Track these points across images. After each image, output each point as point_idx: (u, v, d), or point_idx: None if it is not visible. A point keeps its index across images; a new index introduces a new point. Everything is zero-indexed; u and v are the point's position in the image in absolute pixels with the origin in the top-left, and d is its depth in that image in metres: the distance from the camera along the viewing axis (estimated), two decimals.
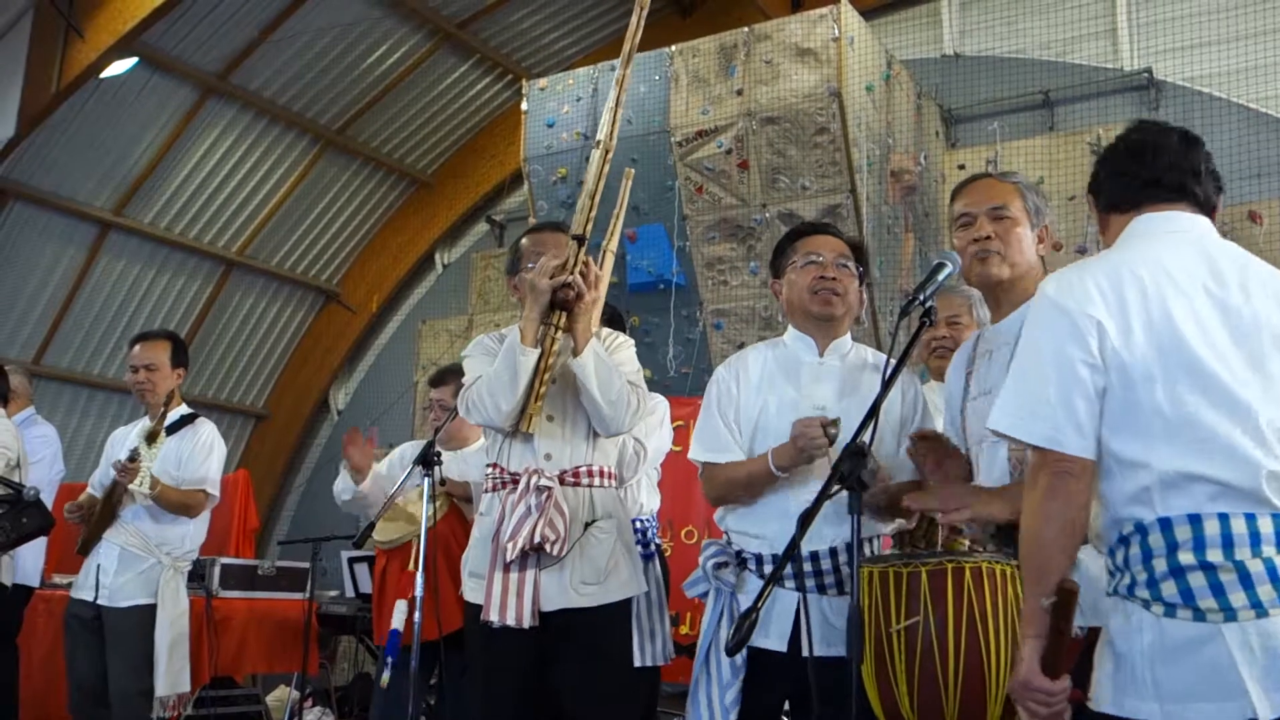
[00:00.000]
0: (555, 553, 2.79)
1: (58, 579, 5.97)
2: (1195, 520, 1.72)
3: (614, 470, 3.03)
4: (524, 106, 7.80)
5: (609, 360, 2.87)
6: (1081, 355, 1.79)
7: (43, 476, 4.93)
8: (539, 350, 2.81)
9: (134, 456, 4.22)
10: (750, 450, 2.73)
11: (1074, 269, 1.90)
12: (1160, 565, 1.74)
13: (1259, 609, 1.68)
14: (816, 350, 2.80)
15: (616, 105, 3.04)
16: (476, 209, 10.54)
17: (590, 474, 2.93)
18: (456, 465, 4.33)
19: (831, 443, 2.50)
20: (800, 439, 2.53)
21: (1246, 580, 1.69)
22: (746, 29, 7.00)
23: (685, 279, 7.23)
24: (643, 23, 3.10)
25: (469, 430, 4.55)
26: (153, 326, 9.52)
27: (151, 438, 4.34)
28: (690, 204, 7.07)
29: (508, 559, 2.77)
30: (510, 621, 2.76)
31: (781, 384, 2.76)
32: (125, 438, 4.64)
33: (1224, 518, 1.71)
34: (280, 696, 6.70)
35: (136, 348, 4.52)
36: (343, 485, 4.37)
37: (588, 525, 2.89)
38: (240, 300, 10.36)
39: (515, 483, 2.86)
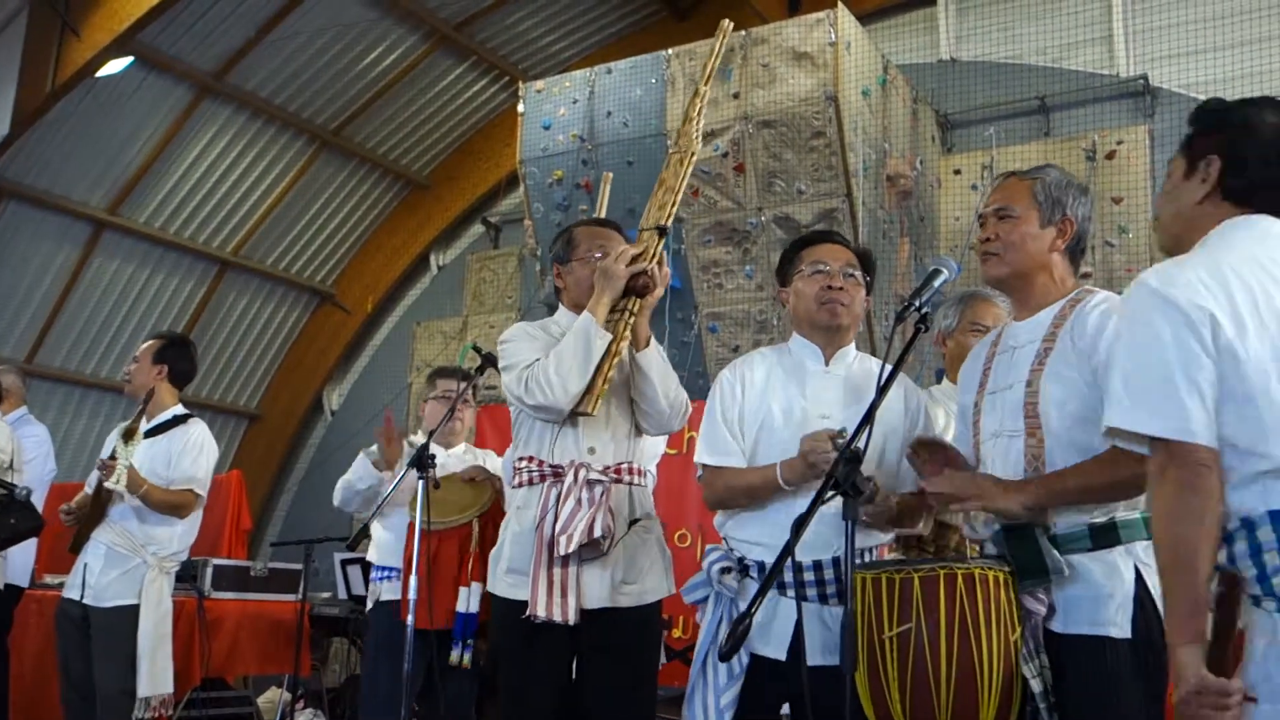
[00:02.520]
0: (606, 549, 2.77)
1: (49, 579, 5.96)
2: None
3: (645, 469, 3.02)
4: (520, 108, 7.79)
5: (665, 358, 2.89)
6: (1198, 345, 1.73)
7: (34, 476, 4.92)
8: (612, 335, 2.80)
9: (112, 455, 4.23)
10: (753, 455, 2.72)
11: (1171, 264, 1.86)
12: (1273, 559, 1.69)
13: None
14: (822, 358, 2.79)
15: (698, 116, 3.07)
16: (472, 211, 10.54)
17: (631, 471, 2.93)
18: (453, 464, 4.33)
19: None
20: (810, 454, 2.51)
21: None
22: (743, 33, 7.00)
23: (680, 282, 7.22)
24: (723, 47, 3.18)
25: (460, 429, 4.56)
26: (146, 326, 9.54)
27: (128, 435, 4.34)
28: (686, 207, 7.07)
29: (561, 553, 2.72)
30: (556, 617, 2.73)
31: (786, 390, 2.75)
32: (116, 436, 4.65)
33: None
34: (272, 698, 6.68)
35: None
36: (362, 473, 4.28)
37: (632, 524, 2.88)
38: (234, 300, 10.35)
39: (557, 475, 2.83)
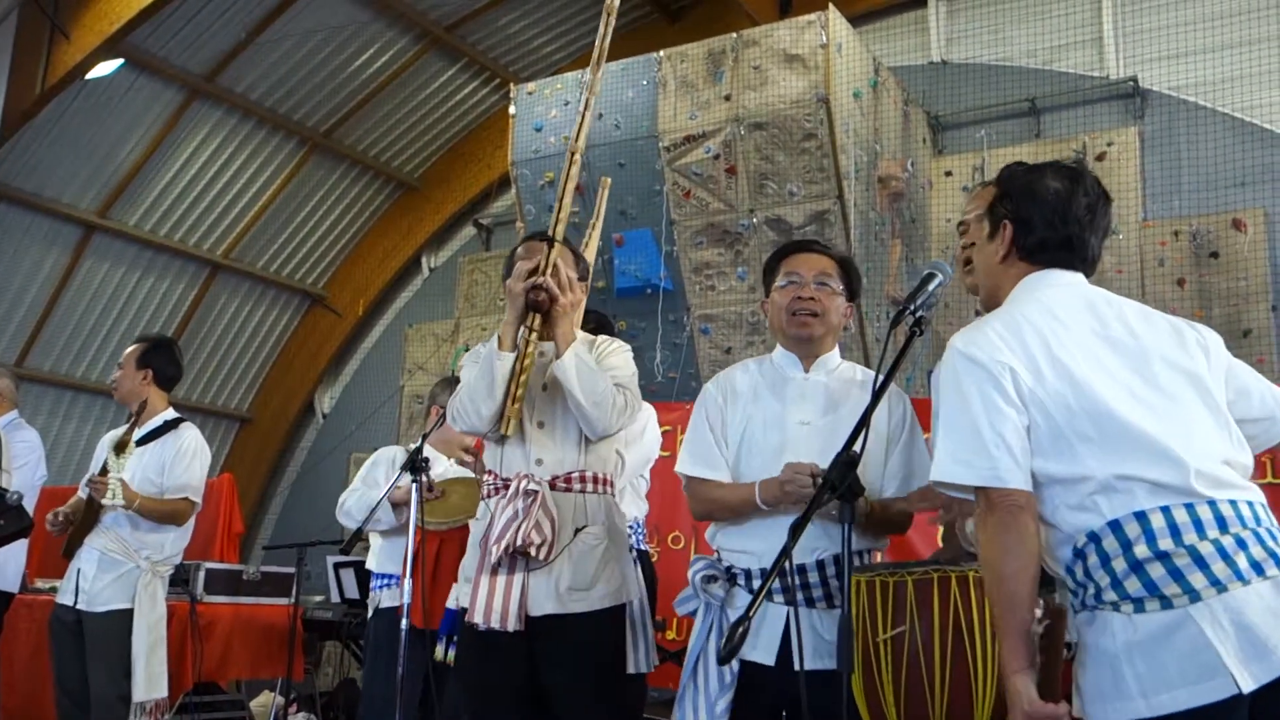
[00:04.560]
0: (541, 556, 2.78)
1: (39, 584, 5.93)
2: (1141, 516, 1.83)
3: (609, 477, 3.02)
4: (512, 110, 7.79)
5: (591, 362, 2.87)
6: (1002, 397, 1.92)
7: (25, 481, 4.88)
8: (515, 353, 2.82)
9: (104, 469, 4.21)
10: (735, 465, 2.74)
11: (975, 325, 2.04)
12: (1120, 564, 1.82)
13: (1218, 585, 1.76)
14: (802, 367, 2.81)
15: (585, 109, 3.06)
16: (463, 213, 10.53)
17: (583, 479, 2.92)
18: (454, 473, 4.33)
19: None
20: (789, 484, 2.55)
21: (1200, 562, 1.78)
22: (735, 35, 7.02)
23: (672, 284, 7.23)
24: (610, 29, 3.13)
25: (454, 438, 4.54)
26: (137, 329, 9.52)
27: (120, 448, 4.31)
28: (678, 209, 7.08)
29: (492, 561, 2.77)
30: (495, 624, 2.74)
31: (767, 400, 2.77)
32: (109, 440, 4.63)
33: (1166, 510, 1.82)
34: (265, 702, 6.66)
35: None
36: (382, 515, 4.18)
37: (578, 531, 2.88)
38: (225, 303, 10.32)
39: (508, 488, 2.87)
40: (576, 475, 2.91)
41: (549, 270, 2.83)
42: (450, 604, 3.79)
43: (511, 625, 2.75)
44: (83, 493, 4.42)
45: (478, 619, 2.75)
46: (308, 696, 6.86)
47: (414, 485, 3.53)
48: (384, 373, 10.53)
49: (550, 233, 2.91)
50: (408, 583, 3.41)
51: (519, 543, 2.75)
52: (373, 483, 4.40)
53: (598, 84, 3.11)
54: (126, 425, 4.42)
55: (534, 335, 2.86)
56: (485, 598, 2.77)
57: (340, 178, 10.24)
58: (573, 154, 3.03)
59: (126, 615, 4.26)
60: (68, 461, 9.31)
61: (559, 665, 2.82)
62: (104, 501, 4.22)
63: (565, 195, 2.98)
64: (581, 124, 3.04)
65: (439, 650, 3.75)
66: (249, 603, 5.89)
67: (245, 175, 9.67)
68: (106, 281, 9.47)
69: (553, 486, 2.86)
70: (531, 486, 2.82)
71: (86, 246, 9.17)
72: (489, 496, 2.94)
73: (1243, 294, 6.67)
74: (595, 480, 2.95)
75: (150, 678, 4.24)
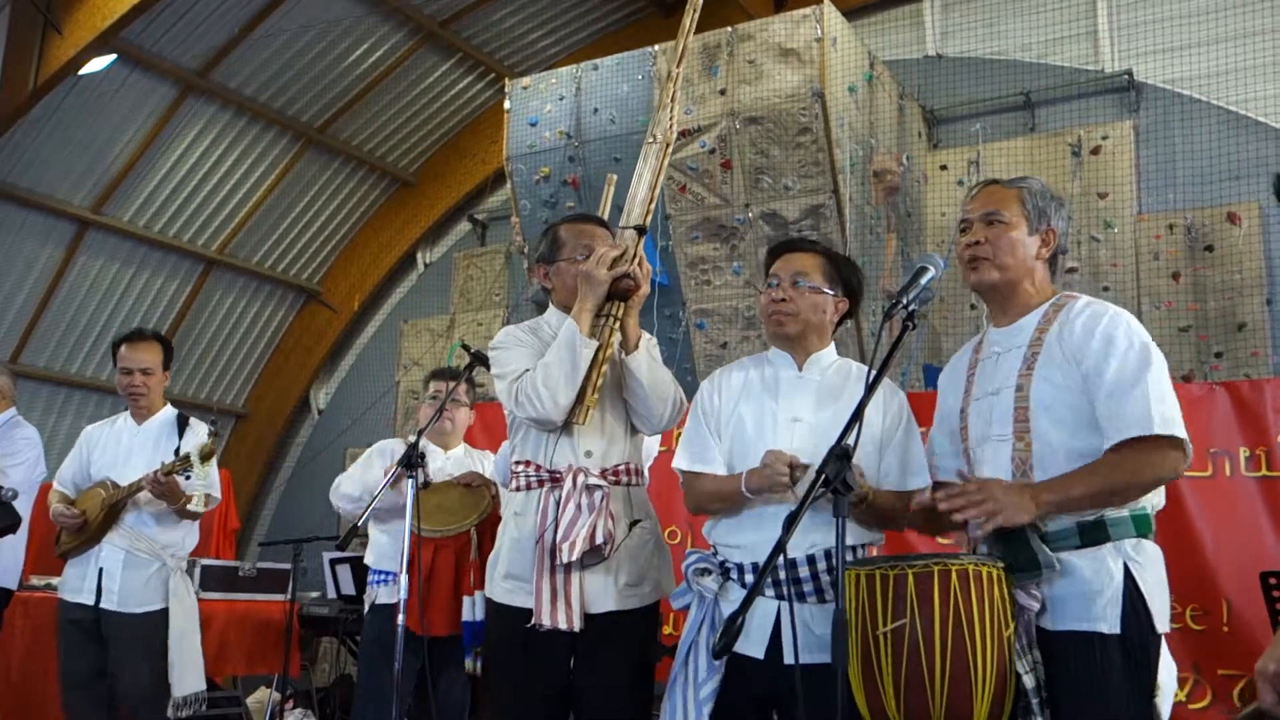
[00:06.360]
0: (606, 554, 2.75)
1: (35, 580, 5.93)
2: None
3: (642, 468, 3.00)
4: (507, 105, 7.78)
5: (655, 355, 2.87)
6: None
7: (24, 478, 4.88)
8: (598, 342, 2.76)
9: (179, 471, 4.08)
10: (729, 461, 2.75)
11: None
12: None
13: None
14: (795, 365, 2.81)
15: (673, 101, 3.01)
16: (458, 208, 10.52)
17: (629, 472, 2.90)
18: (450, 468, 4.31)
19: (794, 484, 2.49)
20: (767, 470, 2.52)
21: None
22: (730, 29, 7.01)
23: (668, 279, 7.23)
24: (694, 23, 3.11)
25: (451, 429, 4.53)
26: (131, 325, 9.47)
27: (207, 456, 4.13)
28: (673, 204, 7.07)
29: (564, 560, 2.70)
30: (561, 625, 2.70)
31: (760, 397, 2.78)
32: (101, 435, 4.63)
33: None
34: (261, 698, 6.67)
35: (125, 349, 4.47)
36: (391, 502, 4.04)
37: (632, 525, 2.85)
38: (220, 299, 10.31)
39: (555, 481, 2.81)
40: (624, 467, 2.89)
41: (636, 259, 2.80)
42: (467, 616, 3.76)
43: (577, 625, 2.72)
44: (65, 487, 4.40)
45: (544, 620, 2.70)
46: (304, 692, 6.87)
47: (409, 482, 3.50)
48: (380, 368, 10.52)
49: (642, 222, 2.88)
50: (404, 578, 3.39)
51: (598, 540, 2.71)
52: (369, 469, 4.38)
53: (679, 75, 3.07)
54: (208, 432, 4.31)
55: (616, 324, 2.80)
56: (549, 598, 2.72)
57: (335, 173, 10.22)
58: (667, 145, 2.98)
59: (163, 614, 4.26)
60: (63, 458, 9.27)
61: (598, 661, 2.80)
62: (192, 508, 4.22)
63: (656, 186, 2.95)
64: (673, 115, 3.00)
65: (468, 664, 3.73)
66: (245, 599, 5.90)
67: (239, 171, 9.64)
68: (101, 278, 9.45)
69: (602, 478, 2.82)
70: (594, 482, 2.78)
71: (80, 243, 9.15)
72: (526, 489, 2.87)
73: (1237, 287, 6.67)
74: (637, 472, 2.94)
75: (191, 672, 4.26)
